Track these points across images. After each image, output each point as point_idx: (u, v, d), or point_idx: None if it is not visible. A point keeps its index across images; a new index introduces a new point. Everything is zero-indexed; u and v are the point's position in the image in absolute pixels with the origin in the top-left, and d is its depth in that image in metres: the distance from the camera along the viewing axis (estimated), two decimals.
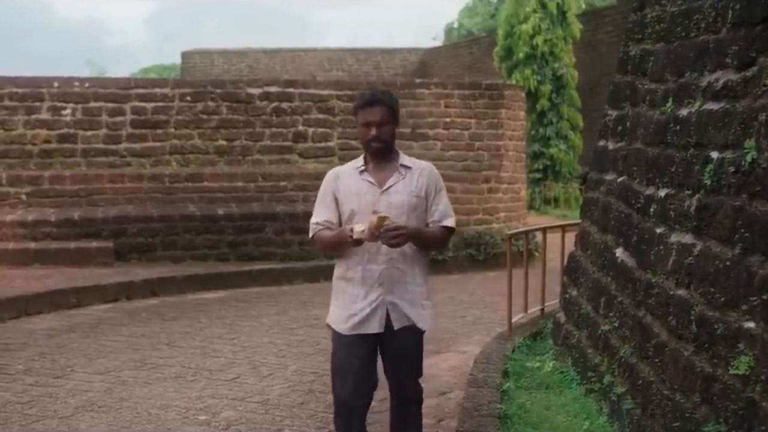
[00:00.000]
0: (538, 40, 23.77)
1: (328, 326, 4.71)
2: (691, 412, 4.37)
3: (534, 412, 5.87)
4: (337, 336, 4.64)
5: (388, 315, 4.54)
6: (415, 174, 4.67)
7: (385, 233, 4.33)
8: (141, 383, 7.03)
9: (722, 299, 4.25)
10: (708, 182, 4.69)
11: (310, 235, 4.71)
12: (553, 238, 9.88)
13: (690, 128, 5.13)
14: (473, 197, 15.61)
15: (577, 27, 24.22)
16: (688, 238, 4.87)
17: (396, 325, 4.56)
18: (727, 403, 3.98)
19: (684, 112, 5.32)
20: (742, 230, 4.18)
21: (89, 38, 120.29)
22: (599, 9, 30.02)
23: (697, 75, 5.24)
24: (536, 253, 12.59)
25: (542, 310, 9.07)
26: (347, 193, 4.62)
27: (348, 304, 4.58)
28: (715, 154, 4.70)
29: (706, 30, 5.24)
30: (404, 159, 4.71)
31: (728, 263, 4.26)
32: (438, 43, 50.51)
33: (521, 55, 23.97)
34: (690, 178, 4.98)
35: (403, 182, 4.62)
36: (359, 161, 4.71)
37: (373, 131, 4.56)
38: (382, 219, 4.31)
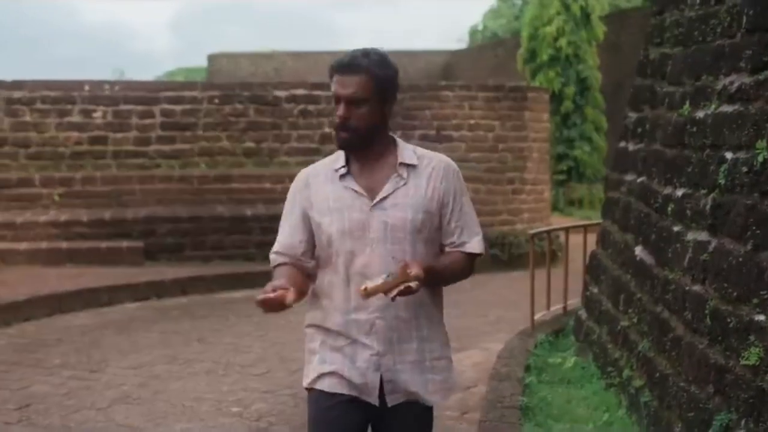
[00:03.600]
0: (562, 42, 23.88)
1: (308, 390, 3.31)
2: (704, 402, 4.54)
3: (555, 405, 6.06)
4: (313, 398, 3.27)
5: (381, 384, 3.18)
6: (423, 175, 3.21)
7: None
8: (174, 377, 7.27)
9: (735, 294, 4.43)
10: (722, 182, 4.85)
11: (271, 267, 3.31)
12: (577, 239, 10.05)
13: (706, 130, 5.30)
14: (497, 198, 15.80)
15: (600, 29, 24.33)
16: (703, 236, 5.03)
17: (390, 401, 3.20)
18: (739, 393, 4.16)
19: (700, 114, 5.48)
20: (754, 227, 4.35)
21: (112, 43, 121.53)
22: (624, 10, 30.09)
23: (713, 78, 5.40)
24: (559, 254, 12.76)
25: (564, 308, 9.24)
26: (323, 208, 3.19)
27: (326, 360, 3.22)
28: (729, 155, 4.87)
29: (722, 35, 5.40)
30: (406, 152, 3.23)
31: (740, 259, 4.43)
32: (463, 45, 50.71)
33: (545, 57, 24.08)
34: (706, 178, 5.15)
35: (404, 189, 3.17)
36: (338, 158, 3.25)
37: (341, 110, 3.12)
38: (403, 278, 2.96)
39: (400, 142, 3.28)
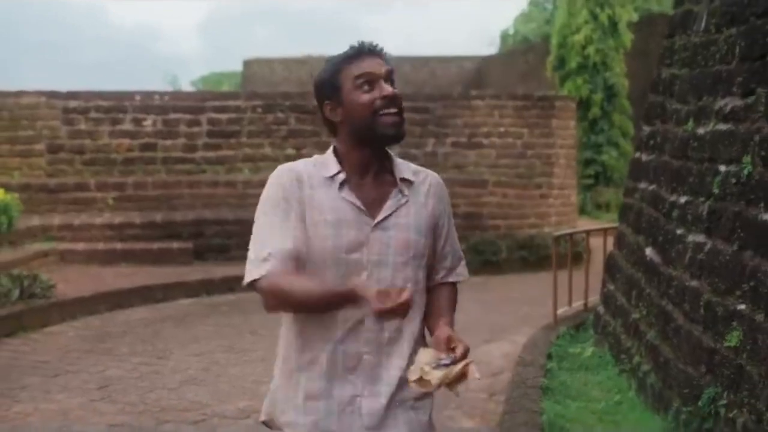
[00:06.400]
0: (590, 50, 24.53)
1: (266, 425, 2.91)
2: (698, 380, 5.31)
3: (573, 387, 6.84)
4: None
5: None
6: (420, 194, 2.83)
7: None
8: (232, 364, 8.11)
9: (723, 287, 5.19)
10: (716, 191, 5.62)
11: (255, 276, 2.67)
12: (602, 242, 10.79)
13: (705, 145, 6.06)
14: (526, 202, 16.53)
15: (628, 37, 24.95)
16: (700, 238, 5.80)
17: None
18: (723, 370, 4.93)
19: (701, 130, 6.24)
20: (740, 231, 5.12)
21: (141, 47, 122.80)
22: (652, 16, 30.67)
23: (712, 99, 6.16)
24: (585, 255, 13.48)
25: (585, 304, 9.99)
26: (317, 218, 2.70)
27: (305, 404, 2.73)
28: (722, 168, 5.63)
29: (720, 61, 6.16)
30: (402, 166, 2.86)
31: (728, 257, 5.19)
32: (494, 49, 51.34)
33: (574, 64, 24.74)
34: (703, 187, 5.91)
35: (406, 208, 2.78)
36: (327, 163, 2.79)
37: (387, 88, 2.71)
38: (463, 357, 2.54)
39: (393, 155, 2.86)
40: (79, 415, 6.54)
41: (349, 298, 2.52)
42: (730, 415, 4.72)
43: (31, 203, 14.26)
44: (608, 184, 24.71)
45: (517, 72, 36.37)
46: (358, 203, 2.72)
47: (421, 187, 2.83)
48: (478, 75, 40.83)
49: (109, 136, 15.43)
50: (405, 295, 2.43)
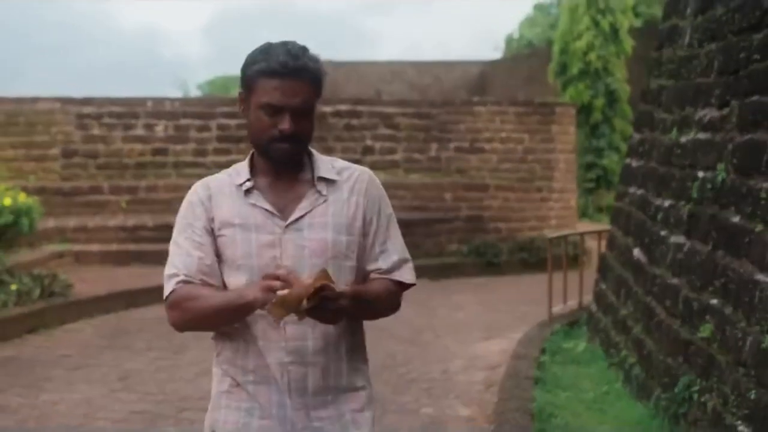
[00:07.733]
0: (592, 56, 24.93)
1: None
2: (675, 370, 5.76)
3: (564, 379, 7.29)
4: None
5: None
6: (344, 191, 2.75)
7: (321, 307, 2.46)
8: None
9: (699, 284, 5.65)
10: (695, 195, 6.07)
11: (166, 293, 2.73)
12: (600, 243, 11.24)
13: (686, 152, 6.51)
14: (526, 206, 16.97)
15: (629, 44, 25.36)
16: (681, 239, 6.25)
17: None
18: (697, 359, 5.39)
19: (683, 139, 6.69)
20: (713, 232, 5.57)
21: (147, 51, 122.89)
22: (656, 21, 31.01)
23: (694, 110, 6.61)
24: (585, 258, 13.92)
25: (580, 303, 10.45)
26: (227, 228, 2.69)
27: (219, 419, 2.78)
28: (700, 174, 6.08)
29: (701, 74, 6.61)
30: (323, 165, 2.77)
31: (704, 257, 5.65)
32: (498, 53, 51.74)
33: (575, 70, 25.14)
34: (684, 192, 6.37)
35: (323, 207, 2.71)
36: (240, 171, 2.76)
37: (286, 124, 2.61)
38: (323, 280, 2.45)
39: (315, 153, 2.79)
40: (102, 404, 7.01)
41: (240, 299, 2.56)
42: (702, 400, 5.18)
43: (46, 206, 14.63)
44: (609, 188, 25.08)
45: (521, 76, 36.64)
46: (267, 207, 2.68)
47: (344, 184, 2.75)
48: (482, 80, 41.17)
49: (121, 141, 15.86)
50: (281, 272, 2.50)
